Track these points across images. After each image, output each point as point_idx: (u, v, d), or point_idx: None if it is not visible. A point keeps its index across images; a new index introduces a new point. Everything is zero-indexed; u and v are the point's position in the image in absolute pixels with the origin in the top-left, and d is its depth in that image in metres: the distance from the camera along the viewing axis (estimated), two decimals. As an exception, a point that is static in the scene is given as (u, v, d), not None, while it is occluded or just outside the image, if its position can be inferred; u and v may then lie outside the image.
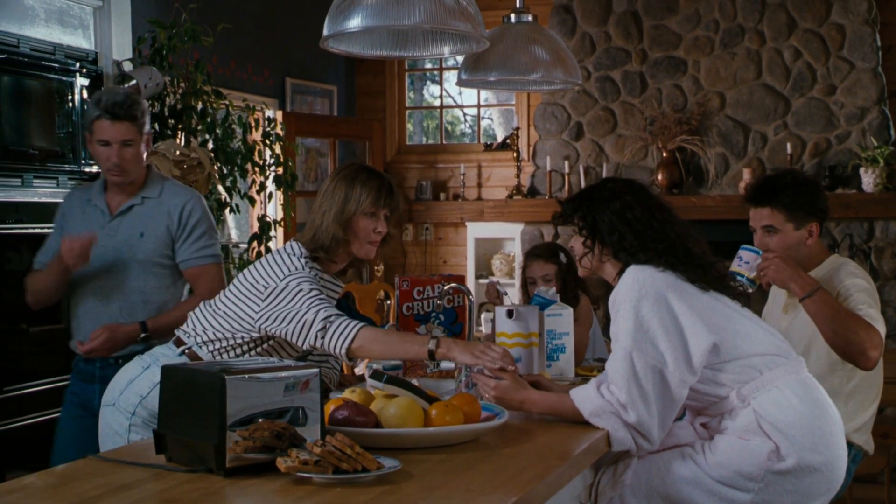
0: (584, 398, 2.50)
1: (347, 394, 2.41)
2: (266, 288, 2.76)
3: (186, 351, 2.85)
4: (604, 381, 2.51)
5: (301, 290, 2.71)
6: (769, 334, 2.64)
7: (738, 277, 3.03)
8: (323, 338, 2.64)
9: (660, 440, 2.49)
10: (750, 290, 3.02)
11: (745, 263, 3.07)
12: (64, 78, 4.26)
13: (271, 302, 2.73)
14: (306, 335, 2.66)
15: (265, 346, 2.83)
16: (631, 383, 2.45)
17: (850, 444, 3.05)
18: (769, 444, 2.49)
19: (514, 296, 6.98)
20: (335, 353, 2.64)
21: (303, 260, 2.82)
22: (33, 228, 4.05)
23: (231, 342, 2.82)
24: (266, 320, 2.74)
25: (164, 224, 3.32)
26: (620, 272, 2.63)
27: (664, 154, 6.66)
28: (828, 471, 2.52)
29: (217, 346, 2.83)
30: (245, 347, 2.82)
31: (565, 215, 2.76)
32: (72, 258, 3.15)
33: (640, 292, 2.51)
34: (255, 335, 2.79)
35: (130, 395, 2.82)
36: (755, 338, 2.59)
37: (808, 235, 3.18)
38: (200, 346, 2.85)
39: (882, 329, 3.01)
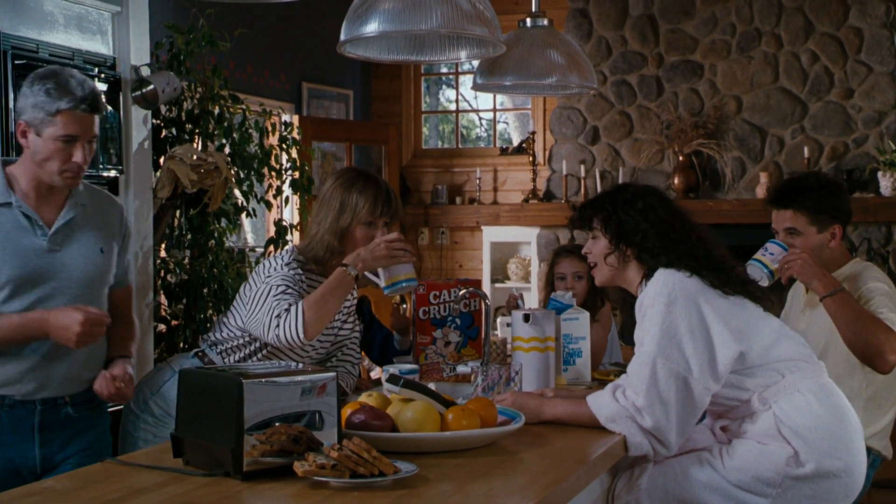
0: (601, 404, 2.50)
1: (364, 398, 2.41)
2: (251, 292, 2.82)
3: (199, 353, 2.91)
4: (620, 386, 2.50)
5: (269, 292, 2.76)
6: (792, 340, 2.63)
7: (759, 266, 3.03)
8: (278, 336, 2.68)
9: (678, 446, 2.49)
10: (767, 283, 3.02)
11: (769, 254, 3.08)
12: (82, 83, 4.28)
13: (252, 307, 2.79)
14: (269, 334, 2.71)
15: (268, 349, 2.86)
16: (650, 388, 2.44)
17: (868, 450, 3.02)
18: (788, 449, 2.48)
19: (531, 300, 6.98)
20: (298, 341, 2.67)
21: (285, 257, 2.86)
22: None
23: (235, 343, 2.91)
24: (251, 325, 2.80)
25: (115, 236, 2.79)
26: (644, 277, 2.62)
27: (681, 158, 6.65)
28: (847, 477, 2.51)
29: (224, 346, 2.93)
30: (248, 350, 2.88)
31: (584, 218, 2.74)
32: (87, 336, 2.49)
33: (669, 297, 2.50)
34: (254, 336, 2.85)
35: (141, 394, 2.91)
36: (779, 343, 2.58)
37: (830, 238, 3.16)
38: (211, 348, 2.94)
39: None
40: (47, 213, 2.64)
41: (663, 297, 2.50)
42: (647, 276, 2.61)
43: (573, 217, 2.78)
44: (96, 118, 2.63)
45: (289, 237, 5.45)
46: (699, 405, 2.48)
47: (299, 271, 2.85)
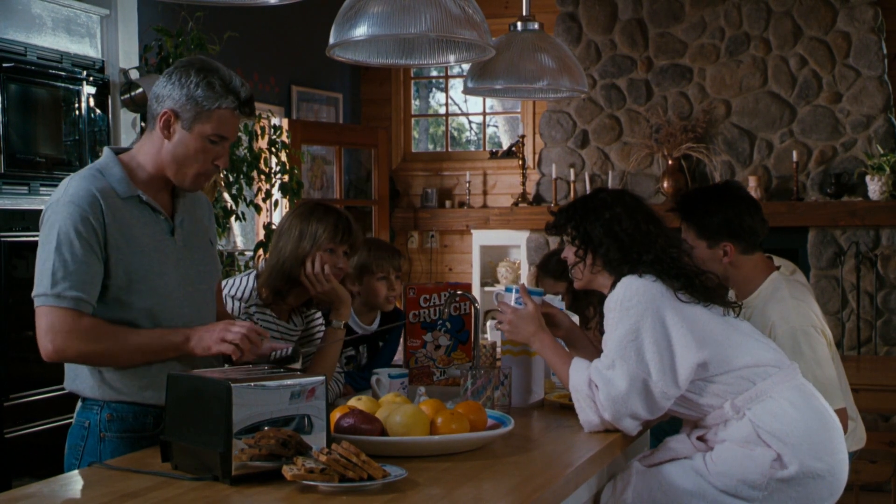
0: (577, 378, 2.55)
1: (353, 401, 2.41)
2: None
3: None
4: (597, 370, 2.53)
5: None
6: (762, 345, 2.63)
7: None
8: None
9: (636, 430, 2.54)
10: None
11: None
12: (71, 86, 4.27)
13: None
14: None
15: None
16: (611, 389, 2.49)
17: None
18: (771, 452, 2.49)
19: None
20: None
21: (245, 292, 2.88)
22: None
23: None
24: None
25: (210, 229, 2.65)
26: (615, 283, 2.63)
27: (670, 162, 6.66)
28: (830, 476, 2.52)
29: None
30: None
31: (558, 225, 2.77)
32: (249, 354, 2.40)
33: (630, 301, 2.53)
34: None
35: None
36: (747, 349, 2.58)
37: (722, 255, 3.03)
38: None
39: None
40: (162, 201, 2.48)
41: (625, 301, 2.54)
42: (615, 282, 2.63)
43: (549, 224, 2.82)
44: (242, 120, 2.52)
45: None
46: (658, 408, 2.51)
47: (264, 312, 2.89)
